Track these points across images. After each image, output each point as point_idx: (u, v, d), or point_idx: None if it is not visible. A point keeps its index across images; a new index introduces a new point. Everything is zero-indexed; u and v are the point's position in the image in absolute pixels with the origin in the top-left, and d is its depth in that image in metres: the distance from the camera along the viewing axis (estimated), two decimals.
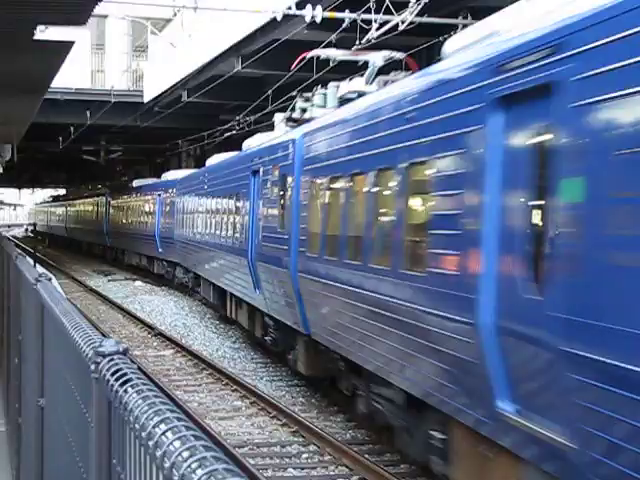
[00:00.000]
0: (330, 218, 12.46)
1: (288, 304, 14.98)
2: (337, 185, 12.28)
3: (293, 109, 17.84)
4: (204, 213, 25.80)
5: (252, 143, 21.07)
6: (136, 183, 47.05)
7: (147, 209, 40.75)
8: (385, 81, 12.80)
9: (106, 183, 62.60)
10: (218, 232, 22.73)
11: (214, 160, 27.36)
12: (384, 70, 14.64)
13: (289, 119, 17.73)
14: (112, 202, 51.52)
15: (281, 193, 15.84)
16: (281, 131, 17.99)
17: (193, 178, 29.97)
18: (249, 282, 18.08)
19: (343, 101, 14.90)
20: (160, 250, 36.93)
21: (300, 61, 18.60)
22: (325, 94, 16.43)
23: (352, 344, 11.51)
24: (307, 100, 17.15)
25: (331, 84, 16.33)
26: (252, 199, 18.48)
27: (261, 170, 17.77)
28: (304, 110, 17.09)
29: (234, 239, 20.18)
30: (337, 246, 11.92)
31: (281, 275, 15.06)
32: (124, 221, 46.72)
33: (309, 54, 17.78)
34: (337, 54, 17.31)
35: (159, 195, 38.13)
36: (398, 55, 15.81)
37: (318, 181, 13.33)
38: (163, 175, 40.50)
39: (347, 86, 15.24)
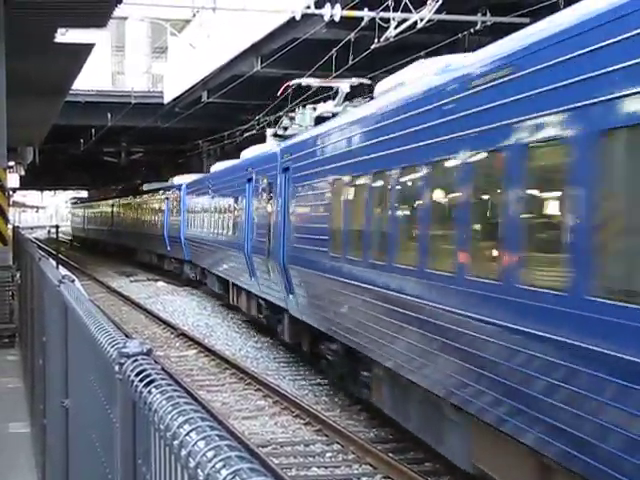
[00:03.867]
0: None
1: None
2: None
3: (279, 126, 21.26)
4: None
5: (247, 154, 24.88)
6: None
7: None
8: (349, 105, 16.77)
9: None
10: None
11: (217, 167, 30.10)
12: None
13: (275, 135, 21.20)
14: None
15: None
16: (270, 144, 21.20)
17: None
18: None
19: (319, 120, 18.09)
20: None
21: (284, 90, 21.74)
22: (304, 114, 19.37)
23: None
24: (292, 119, 20.21)
25: (308, 106, 19.64)
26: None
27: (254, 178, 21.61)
28: (285, 128, 20.43)
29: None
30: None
31: None
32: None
33: (291, 82, 20.76)
34: (314, 82, 20.81)
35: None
36: (364, 81, 18.89)
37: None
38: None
39: (321, 107, 18.91)
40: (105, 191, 74.61)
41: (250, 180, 21.95)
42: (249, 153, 24.42)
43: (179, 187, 37.96)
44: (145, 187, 50.10)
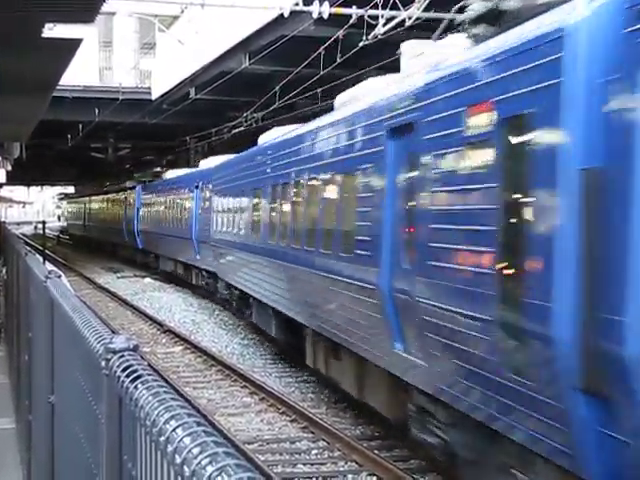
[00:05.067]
0: None
1: None
2: None
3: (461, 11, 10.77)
4: None
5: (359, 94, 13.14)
6: None
7: None
8: None
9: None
10: None
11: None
12: None
13: (476, 20, 9.78)
14: None
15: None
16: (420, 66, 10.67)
17: None
18: None
19: None
20: None
21: None
22: None
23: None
24: None
25: None
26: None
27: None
28: None
29: None
30: None
31: None
32: None
33: None
34: None
35: None
36: None
37: None
38: None
39: None
40: (113, 181, 62.39)
41: (401, 132, 10.15)
42: (369, 87, 13.01)
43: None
44: (169, 175, 40.87)
